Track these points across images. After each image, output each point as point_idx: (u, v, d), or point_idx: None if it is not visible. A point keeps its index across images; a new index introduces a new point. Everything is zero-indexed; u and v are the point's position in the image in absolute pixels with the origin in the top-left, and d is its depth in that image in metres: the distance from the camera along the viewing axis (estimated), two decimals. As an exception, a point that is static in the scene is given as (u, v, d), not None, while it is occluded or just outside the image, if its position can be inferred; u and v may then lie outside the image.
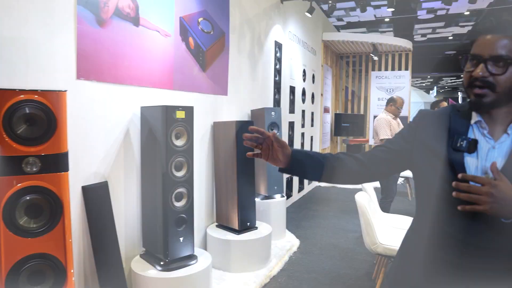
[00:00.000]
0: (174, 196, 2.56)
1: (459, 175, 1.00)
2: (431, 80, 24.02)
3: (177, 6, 3.14)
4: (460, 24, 10.84)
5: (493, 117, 1.10)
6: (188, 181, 2.63)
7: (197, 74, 3.47)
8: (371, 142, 9.41)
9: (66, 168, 1.65)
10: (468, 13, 9.60)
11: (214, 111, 3.78)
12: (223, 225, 3.68)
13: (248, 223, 3.58)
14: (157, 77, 2.94)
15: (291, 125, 6.14)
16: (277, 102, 5.47)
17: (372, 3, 8.63)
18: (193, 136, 2.69)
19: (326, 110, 8.73)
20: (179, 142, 2.58)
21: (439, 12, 9.52)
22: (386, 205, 4.43)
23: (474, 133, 1.11)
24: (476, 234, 1.03)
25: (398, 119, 4.58)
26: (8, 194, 1.50)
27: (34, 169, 1.56)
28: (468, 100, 1.11)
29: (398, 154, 1.23)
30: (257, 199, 4.23)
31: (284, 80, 5.75)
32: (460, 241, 1.05)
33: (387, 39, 8.55)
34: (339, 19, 10.21)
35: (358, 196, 3.10)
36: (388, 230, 3.25)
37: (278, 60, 5.44)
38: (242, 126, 3.49)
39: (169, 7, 3.04)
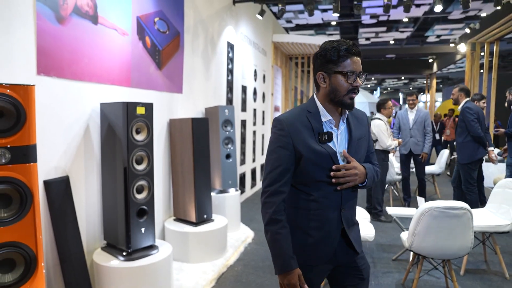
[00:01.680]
0: (136, 189, 2.66)
1: (334, 167, 1.50)
2: (375, 81, 25.39)
3: (134, 6, 3.22)
4: (400, 29, 11.67)
5: (337, 114, 1.57)
6: (149, 174, 2.74)
7: (154, 72, 3.57)
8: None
9: (35, 160, 1.73)
10: (406, 20, 10.40)
11: (170, 108, 3.88)
12: (181, 219, 3.80)
13: (205, 216, 3.73)
14: (116, 75, 3.01)
15: (243, 123, 6.35)
16: (229, 101, 5.65)
17: (320, 7, 9.08)
18: (153, 131, 2.80)
19: (276, 109, 9.05)
20: (139, 137, 2.69)
21: (381, 18, 10.19)
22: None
23: (326, 128, 1.55)
24: (346, 198, 1.58)
25: None
26: (-21, 184, 1.56)
27: (3, 160, 1.62)
28: (341, 103, 1.51)
29: (293, 165, 1.54)
30: (212, 194, 4.39)
31: (236, 80, 5.95)
32: (339, 204, 1.57)
33: (333, 41, 9.02)
34: (288, 21, 10.54)
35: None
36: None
37: (230, 60, 5.63)
38: (198, 123, 3.63)
39: (126, 7, 3.12)
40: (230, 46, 5.61)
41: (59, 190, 2.40)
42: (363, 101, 21.10)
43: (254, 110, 7.07)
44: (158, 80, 3.64)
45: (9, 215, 1.64)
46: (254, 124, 7.11)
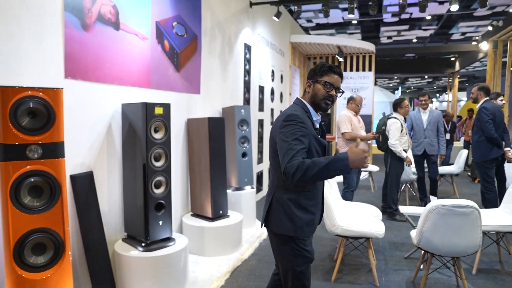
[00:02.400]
0: (154, 184, 2.84)
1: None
2: (398, 80, 25.02)
3: (153, 12, 3.41)
4: (423, 27, 11.50)
5: (317, 115, 2.01)
6: (166, 171, 2.92)
7: (172, 74, 3.75)
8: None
9: (63, 155, 1.91)
10: (429, 17, 10.25)
11: (188, 108, 4.06)
12: (197, 214, 3.97)
13: (221, 212, 3.89)
14: (136, 77, 3.20)
15: (261, 122, 6.49)
16: (247, 101, 5.80)
17: (340, 6, 9.10)
18: (170, 130, 2.97)
19: (294, 109, 9.13)
20: (157, 135, 2.86)
21: (403, 16, 10.08)
22: (347, 194, 4.84)
23: (315, 125, 1.97)
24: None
25: (359, 116, 5.02)
26: (14, 177, 1.75)
27: (36, 156, 1.82)
28: (318, 105, 1.98)
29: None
30: (228, 191, 4.55)
31: (253, 80, 6.09)
32: (322, 183, 2.10)
33: (352, 41, 9.07)
34: (308, 20, 10.58)
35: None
36: (346, 214, 3.64)
37: (247, 61, 5.77)
38: (214, 123, 3.79)
39: (146, 13, 3.31)
40: (247, 48, 5.76)
41: (84, 184, 2.59)
42: (383, 100, 20.82)
43: (272, 109, 7.20)
44: (177, 81, 3.82)
45: (41, 204, 1.83)
46: (272, 123, 7.25)
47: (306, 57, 10.39)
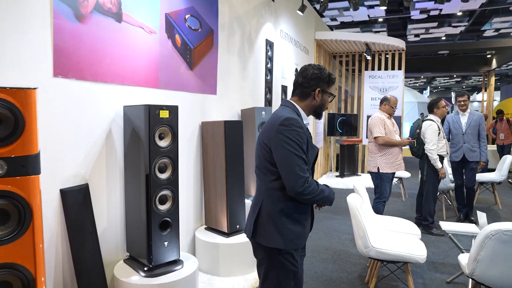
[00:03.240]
0: (158, 199, 2.46)
1: None
2: (424, 80, 24.06)
3: (162, 2, 3.04)
4: (453, 24, 10.83)
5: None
6: (173, 183, 2.53)
7: (184, 73, 3.37)
8: (365, 142, 9.36)
9: (36, 171, 1.54)
10: (460, 13, 9.60)
11: (202, 110, 3.67)
12: (212, 228, 3.58)
13: (238, 226, 3.48)
14: (142, 76, 2.83)
15: (283, 125, 6.05)
16: (268, 102, 5.38)
17: (366, 3, 8.60)
18: (178, 137, 2.59)
19: (319, 109, 8.66)
20: (163, 143, 2.48)
21: (432, 13, 9.49)
22: (379, 206, 4.35)
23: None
24: None
25: (392, 119, 4.52)
26: (-29, 200, 1.40)
27: (0, 172, 1.45)
28: (320, 115, 1.98)
29: None
30: (247, 201, 4.14)
31: (275, 79, 5.66)
32: None
33: (380, 38, 8.50)
34: (333, 19, 10.14)
35: (350, 198, 3.02)
36: (380, 233, 3.17)
37: (269, 59, 5.35)
38: (231, 126, 3.39)
39: (154, 3, 2.94)
40: (269, 44, 5.34)
41: (77, 199, 2.24)
42: (411, 101, 19.89)
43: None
44: (190, 80, 3.44)
45: (4, 233, 1.47)
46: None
47: (331, 55, 9.87)
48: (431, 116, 4.83)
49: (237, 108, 4.41)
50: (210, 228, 3.60)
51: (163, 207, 2.48)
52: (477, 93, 31.09)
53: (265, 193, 1.79)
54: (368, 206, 3.59)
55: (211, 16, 3.74)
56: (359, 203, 3.05)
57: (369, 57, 8.97)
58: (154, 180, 2.42)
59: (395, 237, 3.11)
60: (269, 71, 5.36)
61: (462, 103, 5.18)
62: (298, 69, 7.02)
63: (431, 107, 4.86)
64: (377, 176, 4.36)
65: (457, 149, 5.21)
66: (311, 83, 1.86)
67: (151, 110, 2.37)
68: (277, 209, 1.75)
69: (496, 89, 24.68)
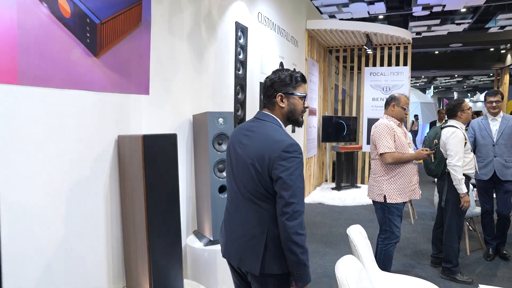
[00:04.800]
0: None
1: None
2: (425, 80, 22.92)
3: None
4: (456, 21, 10.06)
5: None
6: None
7: (81, 60, 2.13)
8: (365, 148, 8.13)
9: None
10: (464, 10, 9.03)
11: (120, 118, 2.44)
12: (132, 298, 2.35)
13: (169, 297, 2.25)
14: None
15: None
16: (240, 104, 4.15)
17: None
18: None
19: (312, 112, 7.43)
20: None
21: (435, 9, 8.82)
22: (389, 249, 3.12)
23: None
24: None
25: (404, 126, 3.28)
26: None
27: None
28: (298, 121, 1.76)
29: None
30: (199, 245, 2.91)
31: (251, 75, 4.44)
32: None
33: (384, 28, 7.26)
34: (331, 16, 9.34)
35: (341, 269, 1.78)
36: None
37: (241, 47, 4.12)
38: (154, 143, 2.16)
39: None
40: (241, 29, 4.11)
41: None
42: (414, 101, 18.62)
43: (280, 114, 5.51)
44: (93, 73, 2.21)
45: None
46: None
47: (326, 49, 8.63)
48: (453, 122, 3.60)
49: (188, 113, 3.19)
50: (130, 298, 2.37)
51: None
52: (481, 94, 29.86)
53: (269, 220, 1.60)
54: (371, 263, 2.36)
55: (137, -22, 2.51)
56: (357, 271, 1.83)
57: (370, 51, 7.76)
58: None
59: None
60: (241, 63, 4.13)
61: (494, 104, 3.96)
62: (284, 63, 5.80)
63: (454, 110, 3.62)
64: (383, 208, 3.13)
65: (485, 164, 3.99)
66: (270, 91, 1.73)
67: None
68: (278, 233, 1.58)
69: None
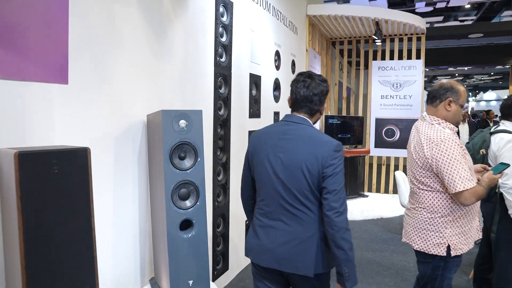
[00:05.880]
0: None
1: None
2: (425, 79, 22.15)
3: None
4: (460, 18, 9.59)
5: None
6: None
7: None
8: (373, 152, 7.20)
9: None
10: (468, 6, 8.86)
11: (6, 120, 1.49)
12: None
13: None
14: None
15: (254, 136, 3.85)
16: (223, 101, 3.20)
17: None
18: None
19: (313, 111, 6.48)
20: None
21: (439, 5, 8.55)
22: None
23: None
24: None
25: (456, 134, 2.25)
26: None
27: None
28: None
29: None
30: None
31: (238, 64, 3.48)
32: None
33: (395, 14, 6.30)
34: None
35: None
36: None
37: (224, 27, 3.17)
38: (33, 163, 1.21)
39: None
40: (223, 3, 3.16)
41: None
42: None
43: (276, 114, 4.56)
44: None
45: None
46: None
47: (329, 41, 7.68)
48: (508, 125, 2.65)
49: (140, 112, 2.23)
50: None
51: None
52: (484, 92, 28.96)
53: (318, 222, 1.64)
54: None
55: None
56: None
57: (379, 42, 6.82)
58: None
59: None
60: (223, 48, 3.18)
61: None
62: (281, 53, 4.86)
63: (509, 110, 2.67)
64: (438, 264, 2.12)
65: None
66: (322, 100, 1.71)
67: None
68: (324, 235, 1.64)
69: (504, 87, 22.52)
